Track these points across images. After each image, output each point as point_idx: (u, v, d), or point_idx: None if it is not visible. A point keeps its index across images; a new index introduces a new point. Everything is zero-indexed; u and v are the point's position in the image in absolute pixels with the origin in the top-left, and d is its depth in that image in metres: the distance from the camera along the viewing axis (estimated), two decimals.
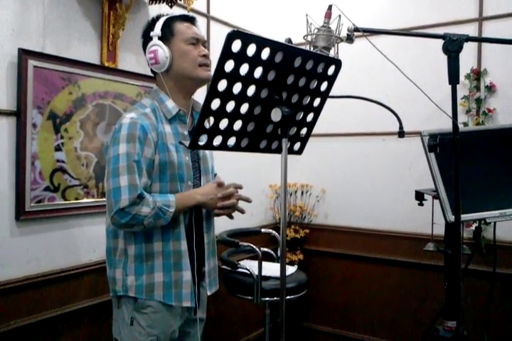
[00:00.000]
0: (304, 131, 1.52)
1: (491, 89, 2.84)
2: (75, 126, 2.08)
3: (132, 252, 1.60)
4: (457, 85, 1.38)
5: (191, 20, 1.71)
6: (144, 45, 1.68)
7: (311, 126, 1.52)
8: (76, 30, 2.12)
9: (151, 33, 1.63)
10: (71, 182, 2.07)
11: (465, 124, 2.88)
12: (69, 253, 2.09)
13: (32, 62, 1.91)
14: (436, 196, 1.71)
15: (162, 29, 1.63)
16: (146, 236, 1.60)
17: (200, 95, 2.73)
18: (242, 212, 1.78)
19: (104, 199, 1.65)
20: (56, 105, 2.01)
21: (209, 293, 1.76)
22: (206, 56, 1.67)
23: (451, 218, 1.61)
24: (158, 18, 1.68)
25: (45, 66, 1.96)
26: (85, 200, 2.12)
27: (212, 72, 1.65)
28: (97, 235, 2.12)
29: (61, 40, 2.06)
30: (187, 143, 1.67)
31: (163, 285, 1.59)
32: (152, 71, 1.72)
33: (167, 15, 1.70)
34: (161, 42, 1.61)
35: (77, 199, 2.08)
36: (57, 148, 2.02)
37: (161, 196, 1.57)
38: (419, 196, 2.08)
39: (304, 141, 1.54)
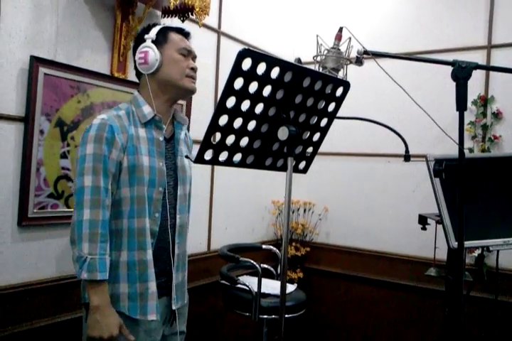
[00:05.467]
0: (309, 150, 1.52)
1: (497, 116, 2.85)
2: (82, 134, 2.09)
3: None
4: None
5: (186, 35, 1.72)
6: (135, 47, 1.68)
7: (317, 145, 1.52)
8: (88, 40, 2.15)
9: (146, 36, 1.64)
10: None
11: (470, 150, 2.88)
12: (70, 261, 2.08)
13: (43, 70, 1.94)
14: (439, 221, 1.70)
15: (157, 34, 1.64)
16: (116, 244, 1.55)
17: (199, 109, 2.75)
18: None
19: None
20: (64, 113, 2.02)
21: (174, 307, 1.68)
22: (194, 69, 1.67)
23: (454, 244, 1.60)
24: (154, 25, 1.69)
25: (56, 74, 1.98)
26: None
27: (196, 85, 1.68)
28: None
29: (73, 49, 2.09)
30: (193, 156, 1.67)
31: (128, 296, 1.54)
32: (137, 74, 1.72)
33: (164, 24, 1.72)
34: (153, 45, 1.62)
35: None
36: (63, 156, 2.03)
37: (104, 265, 1.47)
38: (423, 220, 2.07)
39: (309, 160, 1.54)
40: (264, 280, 2.43)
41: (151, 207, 1.59)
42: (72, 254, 1.49)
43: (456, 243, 1.38)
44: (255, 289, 2.36)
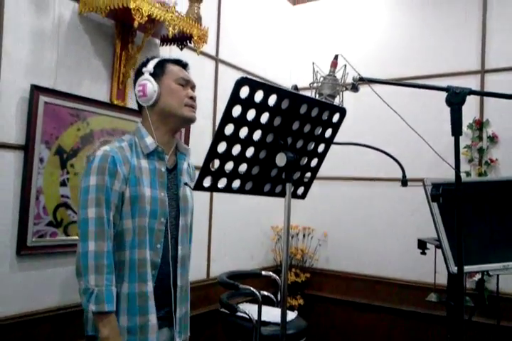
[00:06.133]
0: (307, 175, 1.53)
1: (493, 139, 2.88)
2: (82, 161, 2.10)
3: None
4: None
5: (184, 66, 1.75)
6: (135, 80, 1.71)
7: (315, 171, 1.53)
8: (88, 68, 2.18)
9: (144, 69, 1.67)
10: (74, 217, 2.07)
11: (467, 173, 2.89)
12: (69, 291, 2.07)
13: (43, 98, 1.96)
14: (438, 246, 1.69)
15: (155, 67, 1.67)
16: (118, 276, 1.54)
17: (198, 136, 2.76)
18: None
19: None
20: (64, 140, 2.04)
21: None
22: (193, 98, 1.69)
23: (454, 269, 1.59)
24: (153, 58, 1.73)
25: (56, 102, 2.01)
26: None
27: (196, 114, 1.69)
28: None
29: (73, 77, 2.12)
30: (192, 184, 1.68)
31: (127, 330, 1.52)
32: (139, 106, 1.74)
33: (162, 57, 1.76)
34: (151, 77, 1.65)
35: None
36: (63, 183, 2.04)
37: (111, 296, 1.47)
38: (422, 245, 2.06)
39: (307, 185, 1.55)
40: (264, 308, 2.39)
41: (152, 238, 1.58)
42: (78, 286, 1.49)
43: (456, 268, 1.37)
44: (255, 317, 2.33)
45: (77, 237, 2.02)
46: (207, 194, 2.93)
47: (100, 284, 1.45)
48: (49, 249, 1.99)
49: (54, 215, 2.00)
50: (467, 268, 1.56)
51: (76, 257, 1.51)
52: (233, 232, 3.17)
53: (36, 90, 1.94)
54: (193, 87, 1.72)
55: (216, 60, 3.00)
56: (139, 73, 1.70)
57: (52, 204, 2.00)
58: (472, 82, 2.96)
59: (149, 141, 1.65)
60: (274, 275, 2.72)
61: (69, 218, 2.05)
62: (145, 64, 1.69)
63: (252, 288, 2.39)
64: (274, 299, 2.72)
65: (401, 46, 3.31)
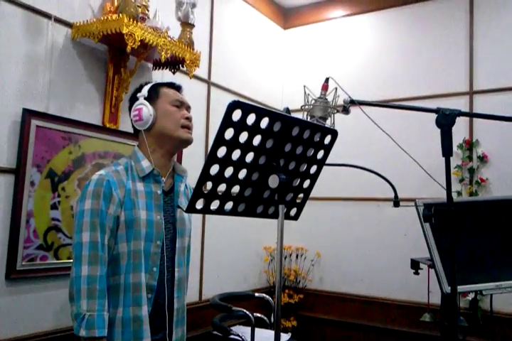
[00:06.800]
0: (300, 196, 1.53)
1: (483, 159, 2.91)
2: (73, 184, 2.10)
3: None
4: None
5: (177, 88, 1.77)
6: (130, 106, 1.72)
7: (307, 192, 1.53)
8: (80, 92, 2.20)
9: (138, 94, 1.69)
10: (65, 241, 2.05)
11: (459, 193, 2.92)
12: (59, 315, 2.04)
13: (35, 122, 1.96)
14: (431, 265, 1.70)
15: (149, 91, 1.68)
16: (113, 301, 1.53)
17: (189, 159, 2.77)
18: None
19: None
20: (55, 164, 2.04)
21: None
22: (189, 119, 1.70)
23: (447, 289, 1.59)
24: (146, 83, 1.75)
25: (48, 126, 2.01)
26: None
27: (192, 135, 1.70)
28: None
29: (65, 101, 2.13)
30: (184, 206, 1.68)
31: None
32: (134, 130, 1.74)
33: (156, 81, 1.78)
34: (146, 102, 1.66)
35: (69, 258, 2.05)
36: (54, 207, 2.02)
37: (102, 321, 1.45)
38: (415, 265, 2.06)
39: (300, 206, 1.55)
40: (257, 330, 2.37)
41: (148, 261, 1.57)
42: (70, 311, 1.47)
43: (449, 288, 1.37)
44: (249, 340, 2.30)
45: (67, 261, 2.04)
46: (199, 215, 2.92)
47: (92, 309, 1.44)
48: (39, 272, 1.96)
49: (44, 238, 1.99)
50: (460, 288, 1.56)
51: (69, 281, 1.49)
52: (226, 254, 3.16)
53: (28, 114, 1.94)
54: (188, 108, 1.74)
55: (208, 83, 3.03)
56: (133, 99, 1.71)
57: (42, 227, 1.98)
58: (461, 103, 3.01)
59: (145, 164, 1.65)
60: (267, 296, 2.69)
61: (60, 241, 2.03)
62: (139, 89, 1.71)
63: (245, 310, 2.37)
64: (268, 321, 2.69)
65: (391, 68, 3.37)
